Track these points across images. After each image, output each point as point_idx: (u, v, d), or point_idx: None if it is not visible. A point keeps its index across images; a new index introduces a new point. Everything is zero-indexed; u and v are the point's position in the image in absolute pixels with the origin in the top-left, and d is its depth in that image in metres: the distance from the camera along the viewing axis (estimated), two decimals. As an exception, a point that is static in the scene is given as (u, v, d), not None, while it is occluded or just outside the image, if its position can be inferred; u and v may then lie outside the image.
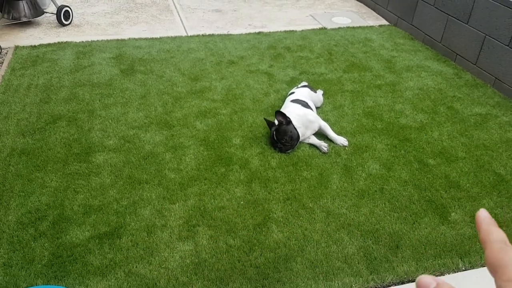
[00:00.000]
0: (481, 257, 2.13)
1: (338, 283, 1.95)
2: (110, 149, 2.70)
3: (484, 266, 2.10)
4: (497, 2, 3.44)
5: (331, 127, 2.90)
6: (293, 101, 2.94)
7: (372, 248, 2.13)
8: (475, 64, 3.76)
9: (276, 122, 2.73)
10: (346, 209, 2.35)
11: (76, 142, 2.75)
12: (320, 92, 3.29)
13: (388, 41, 4.37)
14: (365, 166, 2.66)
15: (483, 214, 0.42)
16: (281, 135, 2.66)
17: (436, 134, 2.99)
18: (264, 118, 2.81)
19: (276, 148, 2.73)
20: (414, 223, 2.28)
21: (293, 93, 3.10)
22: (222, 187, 2.47)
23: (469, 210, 2.39)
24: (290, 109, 2.81)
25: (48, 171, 2.50)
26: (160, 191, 2.42)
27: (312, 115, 2.86)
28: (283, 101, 3.14)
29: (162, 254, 2.06)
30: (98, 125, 2.91)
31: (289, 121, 2.68)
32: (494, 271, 0.37)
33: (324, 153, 2.74)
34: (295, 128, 2.70)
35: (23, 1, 4.19)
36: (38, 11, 4.33)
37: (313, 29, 4.59)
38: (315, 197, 2.42)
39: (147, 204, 2.33)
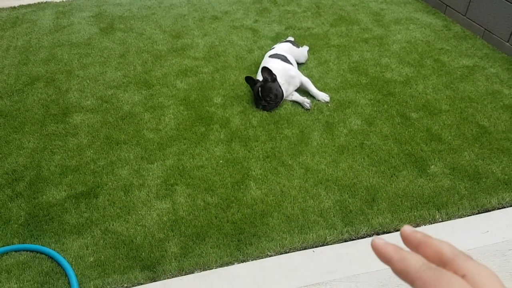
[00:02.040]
0: (458, 208, 2.13)
1: (312, 236, 1.96)
2: (87, 110, 2.67)
3: (461, 217, 2.11)
4: None
5: (314, 83, 2.85)
6: (272, 56, 2.87)
7: (348, 201, 2.13)
8: (464, 16, 3.65)
9: (261, 78, 2.67)
10: (325, 165, 2.34)
11: (53, 103, 2.71)
12: (305, 48, 3.21)
13: (377, -7, 4.24)
14: (346, 122, 2.63)
15: (380, 241, 0.38)
16: (266, 93, 2.61)
17: (421, 88, 2.94)
18: (246, 77, 2.75)
19: (259, 106, 2.69)
20: (391, 177, 2.27)
21: (273, 48, 3.02)
22: (202, 146, 2.45)
23: (449, 163, 2.37)
24: (270, 65, 2.74)
25: (26, 133, 2.48)
26: (138, 151, 2.41)
27: (293, 70, 2.80)
28: (265, 57, 3.07)
29: (139, 212, 2.06)
30: (76, 86, 2.86)
31: (274, 78, 2.62)
32: None
33: (307, 109, 2.70)
34: (280, 86, 2.65)
35: (-1, -41, 4.04)
36: (15, -31, 4.18)
37: (301, -17, 4.44)
38: (294, 154, 2.41)
39: (124, 164, 2.32)
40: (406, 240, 0.39)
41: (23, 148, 2.38)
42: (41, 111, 2.64)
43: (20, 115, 2.61)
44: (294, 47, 3.08)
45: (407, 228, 0.40)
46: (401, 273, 0.35)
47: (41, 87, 2.84)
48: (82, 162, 2.31)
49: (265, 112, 2.68)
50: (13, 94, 2.78)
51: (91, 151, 2.38)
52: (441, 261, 0.35)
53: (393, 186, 2.22)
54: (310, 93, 2.81)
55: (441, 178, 2.29)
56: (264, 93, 2.62)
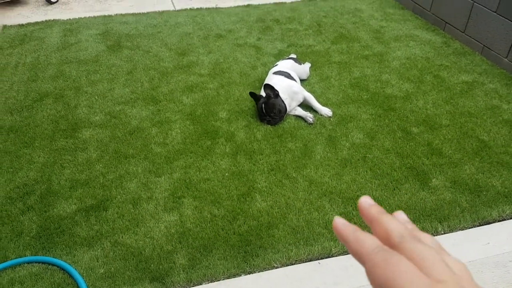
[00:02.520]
0: (460, 221, 2.18)
1: (318, 248, 2.01)
2: (96, 125, 2.73)
3: (462, 230, 2.16)
4: (485, -32, 3.41)
5: (316, 98, 2.92)
6: (276, 73, 2.95)
7: (353, 214, 2.18)
8: (463, 32, 3.74)
9: (264, 94, 2.75)
10: (328, 178, 2.40)
11: (63, 119, 2.77)
12: (307, 65, 3.29)
13: (377, 11, 4.34)
14: (349, 136, 2.69)
15: (341, 223, 0.37)
16: (270, 109, 2.68)
17: (421, 103, 3.00)
18: (250, 92, 2.82)
19: (264, 121, 2.75)
20: (394, 189, 2.33)
21: (276, 65, 3.11)
22: (208, 159, 2.50)
23: (450, 176, 2.43)
24: (274, 81, 2.82)
25: (36, 148, 2.54)
26: (146, 165, 2.46)
27: (296, 86, 2.88)
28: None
29: (148, 224, 2.11)
30: (85, 102, 2.93)
31: (277, 94, 2.70)
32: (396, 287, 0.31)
33: (310, 124, 2.77)
34: (283, 101, 2.72)
35: (9, -21, 4.16)
36: (24, -11, 4.29)
37: (303, 0, 4.55)
38: (299, 167, 2.46)
39: (133, 177, 2.38)
40: (362, 214, 0.38)
41: (34, 163, 2.43)
42: (50, 126, 2.71)
43: (30, 130, 2.67)
44: (297, 64, 3.16)
45: (364, 202, 0.38)
46: (356, 254, 0.35)
47: (50, 103, 2.91)
48: (92, 176, 2.37)
49: (269, 126, 2.74)
50: (22, 110, 2.85)
51: (100, 165, 2.44)
52: (389, 243, 0.34)
53: (396, 199, 2.27)
54: (313, 108, 2.88)
55: (442, 191, 2.34)
56: (268, 109, 2.69)
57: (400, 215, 0.39)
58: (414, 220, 2.16)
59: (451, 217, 2.20)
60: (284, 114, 2.75)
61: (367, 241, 0.34)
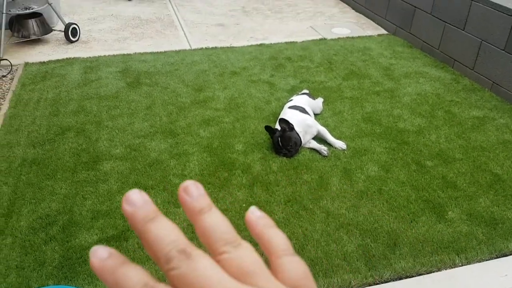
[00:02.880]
0: (477, 253, 2.18)
1: (337, 280, 2.01)
2: (117, 158, 2.81)
3: (480, 262, 2.16)
4: (491, 8, 3.53)
5: (330, 132, 2.99)
6: (291, 107, 3.04)
7: (371, 246, 2.19)
8: (472, 69, 3.84)
9: (279, 128, 2.82)
10: (345, 209, 2.42)
11: (84, 152, 2.85)
12: (320, 100, 3.38)
13: (386, 50, 4.47)
14: (364, 169, 2.73)
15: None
16: (286, 142, 2.75)
17: (434, 137, 3.05)
18: (265, 126, 2.90)
19: (280, 154, 2.81)
20: (411, 222, 2.34)
21: (291, 100, 3.20)
22: (225, 191, 2.55)
23: (466, 209, 2.44)
24: (288, 115, 2.90)
25: (58, 179, 2.61)
26: (165, 196, 2.51)
27: (310, 120, 2.96)
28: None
29: (167, 255, 2.13)
30: (105, 135, 3.02)
31: (292, 127, 2.77)
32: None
33: (324, 156, 2.82)
34: (298, 134, 2.79)
35: (32, 20, 4.36)
36: (46, 29, 4.49)
37: (313, 40, 4.70)
38: (315, 198, 2.50)
39: (152, 208, 2.42)
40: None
41: (56, 194, 2.49)
42: (72, 159, 2.78)
43: (52, 163, 2.75)
44: (310, 99, 3.26)
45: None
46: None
47: (71, 137, 2.99)
48: (113, 206, 2.42)
49: (285, 158, 2.80)
50: (45, 143, 2.94)
51: (121, 196, 2.49)
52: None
53: (413, 231, 2.29)
54: (327, 141, 2.94)
55: (459, 224, 2.35)
56: (284, 142, 2.76)
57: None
58: (432, 253, 2.17)
59: (468, 250, 2.21)
60: (300, 147, 2.81)
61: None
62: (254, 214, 0.34)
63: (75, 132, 3.05)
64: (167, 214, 2.37)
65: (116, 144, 2.93)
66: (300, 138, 2.79)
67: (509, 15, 3.38)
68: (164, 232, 0.28)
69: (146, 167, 2.73)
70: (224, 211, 2.40)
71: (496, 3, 3.49)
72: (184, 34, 4.85)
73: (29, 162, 2.75)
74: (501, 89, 3.56)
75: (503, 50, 3.48)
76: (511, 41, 3.40)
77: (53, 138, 2.99)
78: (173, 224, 0.29)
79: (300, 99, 3.17)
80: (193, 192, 0.31)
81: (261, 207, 2.40)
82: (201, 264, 0.27)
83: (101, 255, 0.28)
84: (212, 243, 0.29)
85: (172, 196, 2.50)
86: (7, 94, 3.58)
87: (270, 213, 2.39)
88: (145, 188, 2.55)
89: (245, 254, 0.29)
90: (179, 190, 0.31)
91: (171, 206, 2.44)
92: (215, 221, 0.30)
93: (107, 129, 3.09)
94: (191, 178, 2.64)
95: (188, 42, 4.61)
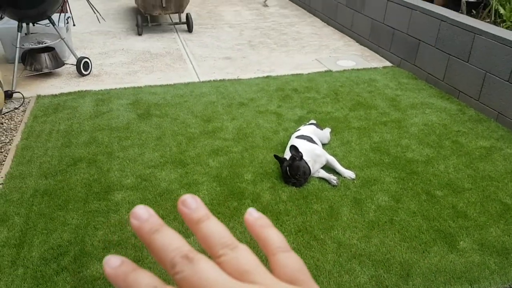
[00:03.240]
0: (490, 283, 2.16)
1: (350, 311, 1.99)
2: (127, 188, 2.83)
3: (495, 293, 2.13)
4: (494, 40, 3.61)
5: (339, 161, 3.01)
6: (298, 137, 3.08)
7: (384, 277, 2.17)
8: (477, 100, 3.88)
9: (287, 157, 2.85)
10: (357, 240, 2.42)
11: (95, 182, 2.88)
12: (327, 130, 3.42)
13: (392, 81, 4.54)
14: (374, 199, 2.74)
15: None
16: (295, 171, 2.77)
17: (442, 167, 3.07)
18: (274, 155, 2.93)
19: (289, 183, 2.83)
20: (423, 252, 2.33)
21: (299, 130, 3.24)
22: (235, 220, 2.55)
23: (477, 239, 2.43)
24: (297, 145, 2.93)
25: (69, 210, 2.62)
26: (175, 225, 2.51)
27: (319, 149, 2.99)
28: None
29: (179, 285, 2.12)
30: (116, 166, 3.05)
31: (301, 156, 2.80)
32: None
33: (334, 186, 2.83)
34: (307, 163, 2.81)
35: (45, 54, 4.48)
36: (59, 62, 4.61)
37: (319, 72, 4.79)
38: (326, 228, 2.49)
39: (163, 239, 2.42)
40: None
41: (67, 225, 2.51)
42: (83, 189, 2.81)
43: (64, 193, 2.77)
44: (318, 129, 3.29)
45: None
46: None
47: (83, 168, 3.03)
48: (124, 237, 2.42)
49: (294, 188, 2.81)
50: (56, 174, 2.97)
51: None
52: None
53: (426, 261, 2.27)
54: (336, 170, 2.96)
55: (471, 254, 2.33)
56: (293, 171, 2.78)
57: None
58: (445, 283, 2.15)
59: (481, 280, 2.18)
60: (309, 176, 2.83)
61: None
62: (252, 216, 0.36)
63: (87, 163, 3.09)
64: (178, 244, 2.37)
65: (127, 175, 2.96)
66: (309, 167, 2.81)
67: (511, 47, 3.46)
68: (168, 241, 0.31)
69: (156, 197, 2.75)
70: (235, 241, 2.40)
71: (498, 36, 3.57)
72: (193, 67, 4.96)
73: (41, 193, 2.78)
74: (507, 120, 3.59)
75: (507, 81, 3.53)
76: (515, 72, 3.46)
77: (65, 169, 3.02)
78: (176, 233, 0.32)
79: (308, 129, 3.21)
80: (191, 204, 0.34)
81: (272, 237, 2.40)
82: (202, 267, 0.30)
83: (114, 264, 0.30)
84: (212, 247, 0.33)
85: (182, 226, 2.50)
86: (19, 126, 3.64)
87: (281, 243, 2.38)
88: (156, 218, 2.56)
89: (242, 255, 0.32)
90: (178, 203, 0.34)
91: (181, 235, 2.43)
92: (212, 228, 0.33)
93: (118, 160, 3.13)
94: (201, 208, 2.65)
95: (197, 75, 4.71)
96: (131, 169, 3.02)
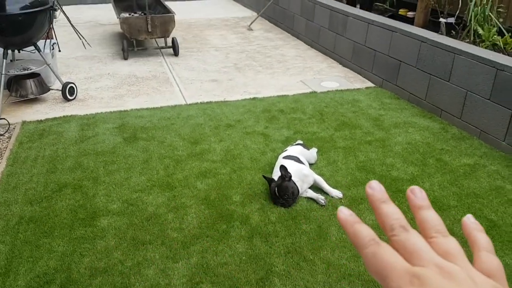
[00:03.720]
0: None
1: (341, 332, 1.98)
2: (114, 213, 2.80)
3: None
4: (474, 60, 3.72)
5: (326, 181, 3.03)
6: (286, 157, 3.10)
7: (373, 296, 2.17)
8: (460, 118, 3.97)
9: (275, 178, 2.86)
10: (346, 259, 2.42)
11: (81, 208, 2.85)
12: (314, 150, 3.45)
13: (375, 101, 4.62)
14: (362, 217, 2.72)
15: (343, 214, 0.40)
16: (284, 191, 2.78)
17: (427, 185, 3.11)
18: (263, 176, 2.94)
19: (278, 203, 2.83)
20: (412, 270, 2.34)
21: (286, 150, 3.27)
22: (224, 243, 2.54)
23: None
24: (284, 165, 2.95)
25: (55, 237, 2.59)
26: (163, 250, 2.49)
27: (306, 169, 3.01)
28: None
29: (168, 311, 2.09)
30: (102, 191, 3.03)
31: (290, 177, 2.81)
32: (383, 276, 0.35)
33: (322, 205, 2.84)
34: (295, 183, 2.83)
35: (30, 80, 4.46)
36: (44, 88, 4.59)
37: (304, 93, 4.86)
38: (315, 249, 2.49)
39: (151, 264, 2.40)
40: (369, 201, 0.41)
41: (53, 252, 2.46)
42: (69, 216, 2.77)
43: (49, 220, 2.73)
44: (305, 149, 3.33)
45: (370, 187, 0.41)
46: (355, 246, 0.38)
47: (69, 193, 3.00)
48: (110, 263, 2.39)
49: (283, 208, 2.81)
50: (42, 200, 2.93)
51: (119, 253, 2.47)
52: (386, 233, 0.39)
53: (414, 279, 2.28)
54: (324, 190, 2.98)
55: (459, 271, 2.35)
56: (281, 192, 2.79)
57: (418, 193, 0.42)
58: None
59: (471, 297, 2.19)
60: (297, 196, 2.84)
61: (362, 234, 0.38)
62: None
63: (72, 188, 3.06)
64: (165, 269, 2.35)
65: (113, 199, 2.94)
66: (297, 187, 2.82)
67: (491, 66, 3.56)
68: (392, 211, 0.40)
69: (143, 222, 2.72)
70: (224, 264, 2.38)
71: (478, 56, 3.67)
72: (179, 90, 4.98)
73: (26, 220, 2.74)
74: (489, 137, 3.67)
75: (488, 99, 3.63)
76: (495, 90, 3.55)
77: (50, 195, 2.99)
78: (398, 208, 0.40)
79: (295, 150, 3.24)
80: (417, 193, 0.43)
81: (261, 259, 2.39)
82: (415, 237, 0.38)
83: (346, 212, 0.40)
84: (426, 229, 0.40)
85: (170, 251, 2.48)
86: (4, 153, 3.60)
87: (270, 265, 2.37)
88: (143, 244, 2.54)
89: (451, 241, 0.39)
90: (407, 191, 0.43)
91: (169, 261, 2.41)
92: (431, 216, 0.41)
93: (104, 185, 3.10)
94: (189, 231, 2.64)
95: (184, 98, 4.74)
96: (117, 193, 2.99)
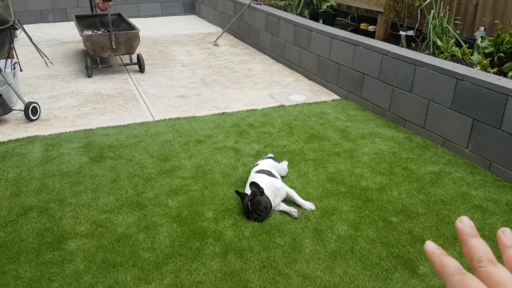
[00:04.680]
0: (452, 304, 2.21)
1: None
2: (82, 235, 2.72)
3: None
4: (435, 71, 3.86)
5: (298, 193, 3.05)
6: (258, 171, 3.10)
7: (349, 306, 2.18)
8: (423, 128, 4.09)
9: (249, 192, 2.85)
10: (321, 271, 2.43)
11: (48, 231, 2.75)
12: (285, 163, 3.47)
13: (341, 113, 4.71)
14: (334, 228, 2.78)
15: (430, 247, 0.44)
16: (256, 206, 2.77)
17: (396, 194, 3.18)
18: (235, 191, 2.93)
19: (251, 218, 2.82)
20: (386, 279, 2.37)
21: (257, 165, 3.27)
22: (198, 261, 2.50)
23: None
24: (257, 180, 2.95)
25: (22, 262, 2.48)
26: (135, 272, 2.43)
27: (278, 182, 3.02)
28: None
29: (142, 334, 2.03)
30: (69, 213, 2.94)
31: (262, 192, 2.81)
32: None
33: (295, 218, 2.85)
34: (268, 198, 2.83)
35: (-10, 101, 4.31)
36: (6, 109, 4.44)
37: (273, 107, 4.90)
38: (290, 262, 2.49)
39: (122, 286, 2.33)
40: (458, 234, 0.46)
41: (20, 278, 2.36)
42: (36, 240, 2.67)
43: (15, 245, 2.62)
44: (276, 162, 3.34)
45: (460, 222, 0.46)
46: (440, 275, 0.42)
47: (34, 217, 2.89)
48: (80, 287, 2.30)
49: (256, 223, 2.80)
50: (6, 225, 2.81)
51: (89, 276, 2.39)
52: (472, 266, 0.42)
53: None
54: (296, 202, 3.00)
55: (431, 278, 2.40)
56: (254, 206, 2.78)
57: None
58: (409, 308, 2.19)
59: (443, 302, 2.24)
60: (270, 210, 2.84)
61: (449, 265, 0.42)
62: (463, 222, 0.46)
63: (38, 211, 2.95)
64: (139, 290, 2.29)
65: (81, 221, 2.85)
66: (270, 201, 2.82)
67: (451, 76, 3.70)
68: (480, 245, 0.43)
69: (113, 243, 2.65)
70: (199, 283, 2.34)
71: (438, 66, 3.82)
72: (147, 106, 4.93)
73: (-12, 246, 2.61)
74: (452, 145, 3.80)
75: (449, 108, 3.76)
76: (456, 100, 3.69)
77: (15, 219, 2.87)
78: (486, 243, 0.44)
79: (266, 163, 3.25)
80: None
81: (236, 276, 2.37)
82: (502, 269, 0.41)
83: (433, 246, 0.45)
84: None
85: (142, 272, 2.42)
86: (-37, 176, 3.44)
87: (246, 281, 2.35)
88: (114, 266, 2.46)
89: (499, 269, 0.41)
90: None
91: (141, 282, 2.35)
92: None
93: (71, 206, 3.01)
94: (161, 251, 2.58)
95: (151, 114, 4.68)
96: (85, 215, 2.91)
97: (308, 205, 2.97)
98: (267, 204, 2.80)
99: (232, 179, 3.35)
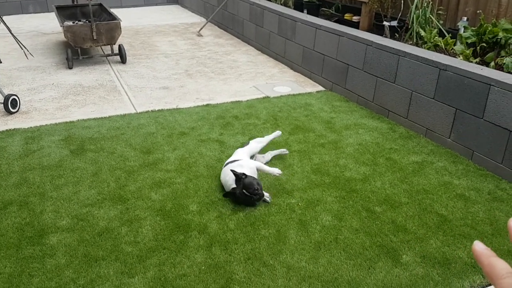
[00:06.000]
0: (434, 293, 2.24)
1: (304, 335, 1.98)
2: (63, 229, 2.67)
3: (439, 302, 2.21)
4: (418, 61, 3.87)
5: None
6: (225, 165, 3.17)
7: (333, 296, 2.19)
8: (406, 118, 4.11)
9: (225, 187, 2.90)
10: (305, 262, 2.43)
11: (28, 226, 2.69)
12: (251, 141, 3.51)
13: (326, 105, 4.71)
14: (318, 219, 2.78)
15: (479, 247, 0.44)
16: (251, 187, 2.80)
17: (379, 184, 3.19)
18: (223, 194, 2.95)
19: (254, 201, 2.84)
20: (369, 269, 2.38)
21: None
22: (182, 254, 2.48)
23: (418, 251, 2.53)
24: (230, 171, 2.97)
25: (1, 258, 2.42)
26: (117, 266, 2.40)
27: (243, 161, 3.09)
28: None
29: (125, 329, 2.01)
30: (50, 207, 2.88)
31: (244, 174, 2.88)
32: None
33: (267, 203, 2.93)
34: (252, 176, 2.91)
35: (-32, 93, 4.20)
36: (-17, 101, 4.33)
37: (258, 98, 4.87)
38: (274, 253, 2.49)
39: (105, 281, 2.29)
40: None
41: (0, 274, 2.31)
42: (16, 234, 2.61)
43: (-7, 240, 2.56)
44: (245, 146, 3.41)
45: (477, 248, 0.46)
46: (488, 277, 0.42)
47: (14, 211, 2.83)
48: (62, 282, 2.26)
49: (241, 215, 2.79)
50: (-16, 220, 2.75)
51: (70, 271, 2.35)
52: None
53: (372, 277, 2.32)
54: (265, 172, 3.11)
55: (414, 267, 2.42)
56: (249, 189, 2.79)
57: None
58: (393, 297, 2.20)
59: (426, 291, 2.26)
60: (261, 184, 2.92)
61: (499, 267, 0.42)
62: (479, 247, 0.46)
63: (18, 205, 2.89)
64: (120, 286, 2.26)
65: (62, 215, 2.80)
66: (255, 178, 2.91)
67: (434, 66, 3.72)
68: (500, 263, 0.43)
69: (95, 237, 2.61)
70: (183, 276, 2.32)
71: (422, 57, 3.83)
72: (129, 98, 4.85)
73: (-35, 242, 2.55)
74: (435, 135, 3.83)
75: (432, 98, 3.78)
76: (438, 90, 3.71)
77: (-8, 214, 2.80)
78: (504, 261, 0.43)
79: (235, 155, 3.27)
80: (481, 246, 0.46)
81: (221, 268, 2.36)
82: None
83: (482, 246, 0.44)
84: (497, 274, 0.43)
85: (125, 266, 2.39)
86: None
87: (231, 273, 2.34)
88: (96, 260, 2.43)
89: None
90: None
91: (124, 276, 2.32)
92: (500, 262, 0.43)
93: (52, 200, 2.95)
94: (144, 244, 2.55)
95: (133, 106, 4.61)
96: (66, 209, 2.86)
97: (275, 171, 3.06)
98: (257, 180, 2.87)
99: (217, 171, 3.32)
